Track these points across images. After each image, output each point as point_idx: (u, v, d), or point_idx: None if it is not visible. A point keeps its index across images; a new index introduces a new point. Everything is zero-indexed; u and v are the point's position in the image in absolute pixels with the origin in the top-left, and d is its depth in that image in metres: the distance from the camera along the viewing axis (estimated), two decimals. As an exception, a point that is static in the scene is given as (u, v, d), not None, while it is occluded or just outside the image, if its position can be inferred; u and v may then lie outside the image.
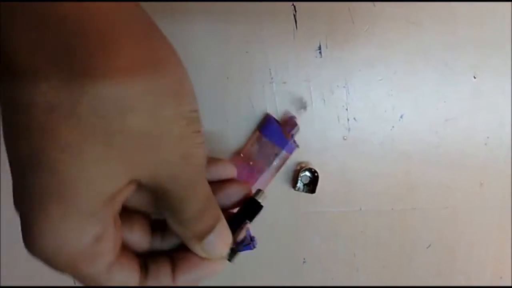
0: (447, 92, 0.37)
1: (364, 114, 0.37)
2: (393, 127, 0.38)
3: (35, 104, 0.16)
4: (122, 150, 0.18)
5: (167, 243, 0.25)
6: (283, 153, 0.36)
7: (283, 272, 0.39)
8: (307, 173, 0.38)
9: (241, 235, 0.28)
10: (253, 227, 0.38)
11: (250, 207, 0.28)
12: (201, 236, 0.23)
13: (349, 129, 0.37)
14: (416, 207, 0.39)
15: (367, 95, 0.37)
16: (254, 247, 0.39)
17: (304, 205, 0.38)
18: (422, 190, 0.39)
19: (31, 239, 0.17)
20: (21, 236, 0.17)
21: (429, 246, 0.40)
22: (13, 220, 0.38)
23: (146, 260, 0.23)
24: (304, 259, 0.39)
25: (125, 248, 0.22)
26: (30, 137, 0.16)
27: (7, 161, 0.17)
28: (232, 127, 0.37)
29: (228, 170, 0.27)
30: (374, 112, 0.37)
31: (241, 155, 0.37)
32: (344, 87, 0.37)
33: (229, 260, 0.27)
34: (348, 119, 0.37)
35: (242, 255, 0.39)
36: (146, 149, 0.18)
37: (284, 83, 0.36)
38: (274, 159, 0.36)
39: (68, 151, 0.16)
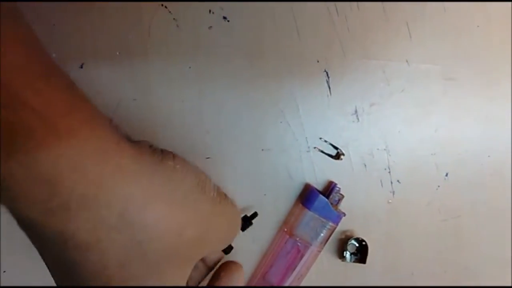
0: (490, 145, 0.36)
1: (408, 176, 0.36)
2: (439, 186, 0.36)
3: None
4: None
5: None
6: (330, 224, 0.34)
7: None
8: (354, 242, 0.36)
9: None
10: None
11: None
12: None
13: (393, 192, 0.36)
14: (469, 266, 0.37)
15: (409, 156, 0.36)
16: (305, 325, 0.36)
17: (353, 275, 0.36)
18: (474, 247, 0.37)
19: None
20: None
21: (485, 305, 0.38)
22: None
23: None
24: (357, 331, 0.37)
25: None
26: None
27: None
28: (270, 200, 0.35)
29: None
30: (418, 172, 0.36)
31: (285, 230, 0.35)
32: (384, 149, 0.35)
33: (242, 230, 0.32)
34: (391, 182, 0.36)
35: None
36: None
37: (322, 151, 0.35)
38: (320, 231, 0.34)
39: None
